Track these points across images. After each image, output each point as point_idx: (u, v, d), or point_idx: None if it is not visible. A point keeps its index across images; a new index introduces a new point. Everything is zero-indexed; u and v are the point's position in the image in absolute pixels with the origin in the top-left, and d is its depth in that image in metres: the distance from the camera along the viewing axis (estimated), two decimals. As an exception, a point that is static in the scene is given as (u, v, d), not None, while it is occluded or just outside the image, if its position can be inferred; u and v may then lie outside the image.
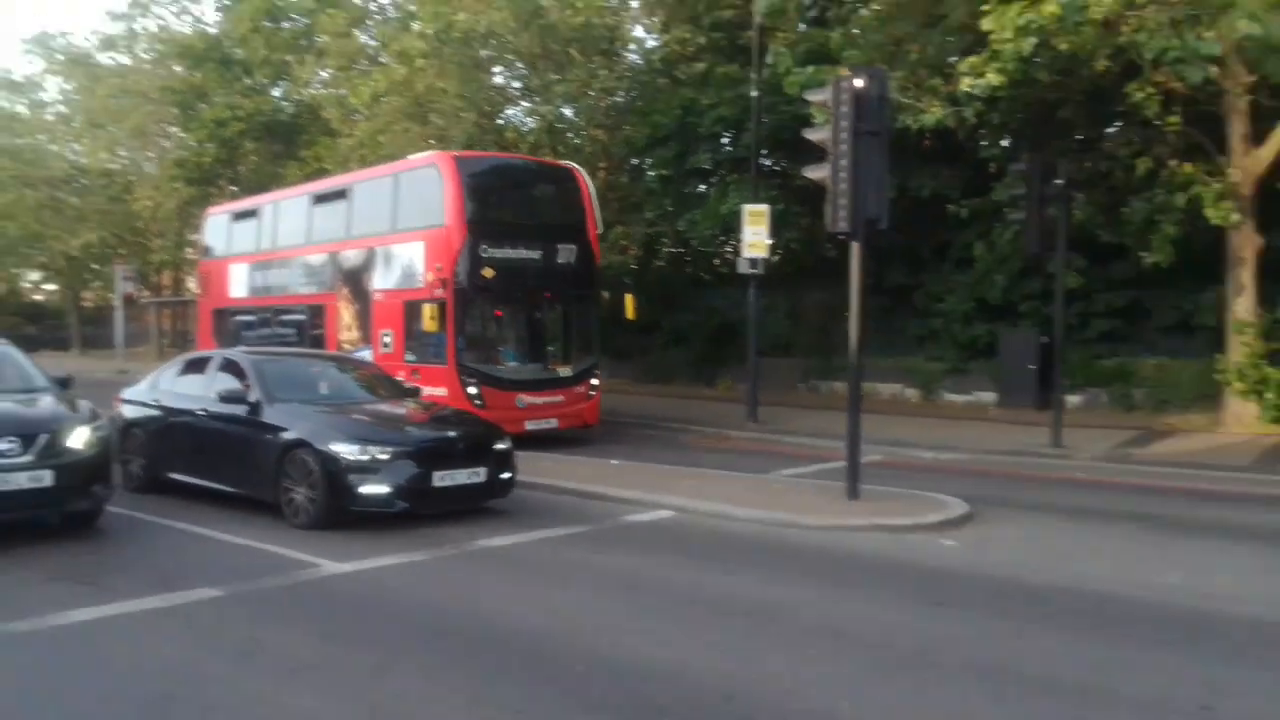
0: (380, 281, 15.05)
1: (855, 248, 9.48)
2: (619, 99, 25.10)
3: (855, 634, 5.90)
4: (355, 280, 15.57)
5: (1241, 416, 15.43)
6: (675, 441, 15.92)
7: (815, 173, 9.63)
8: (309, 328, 16.48)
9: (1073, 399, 18.17)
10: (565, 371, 15.08)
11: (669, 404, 20.24)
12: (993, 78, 13.36)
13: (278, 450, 8.76)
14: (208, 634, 5.84)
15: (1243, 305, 15.26)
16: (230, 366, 9.95)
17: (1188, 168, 14.58)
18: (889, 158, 9.52)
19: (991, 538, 8.61)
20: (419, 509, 8.64)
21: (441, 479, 8.63)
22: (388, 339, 14.74)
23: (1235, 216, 14.33)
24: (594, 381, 15.27)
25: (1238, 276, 15.17)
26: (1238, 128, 14.51)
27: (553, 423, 14.49)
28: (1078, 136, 18.04)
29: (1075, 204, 15.82)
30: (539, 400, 14.36)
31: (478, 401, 13.55)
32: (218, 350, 12.87)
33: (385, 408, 9.78)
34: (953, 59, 15.29)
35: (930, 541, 8.47)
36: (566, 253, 14.81)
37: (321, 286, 16.30)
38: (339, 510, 8.44)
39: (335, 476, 8.35)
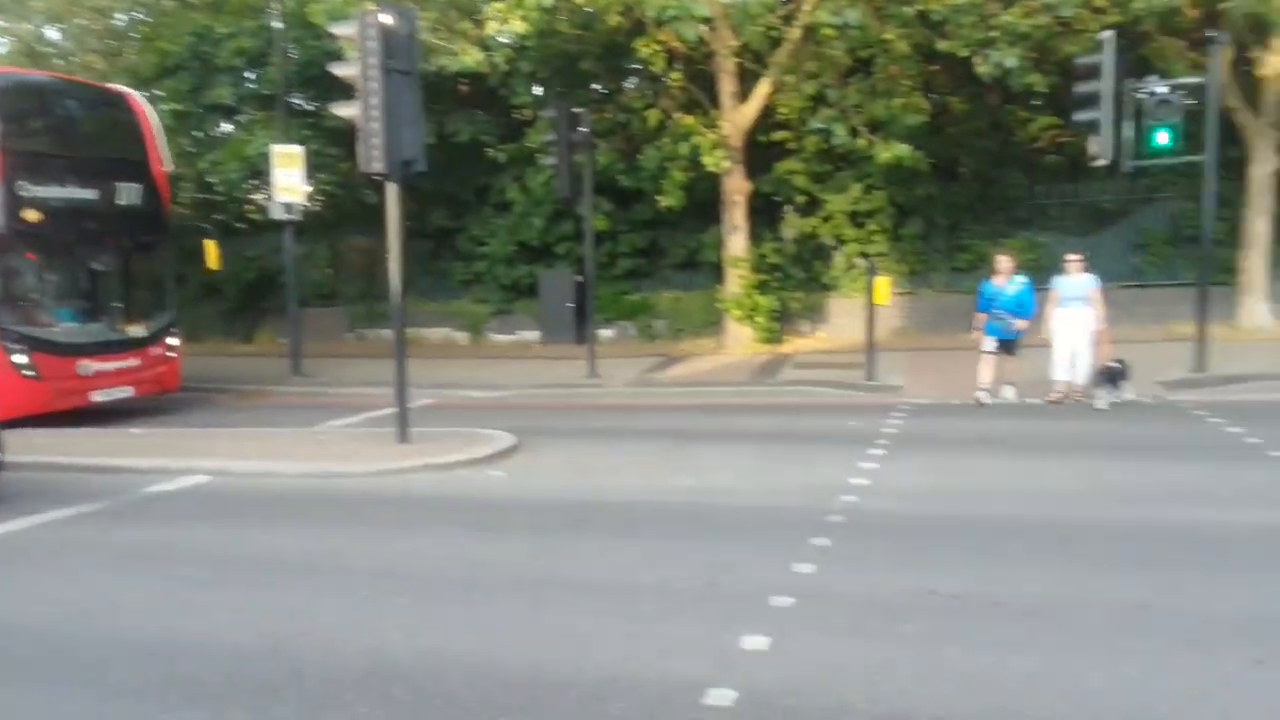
0: None
1: (392, 189, 9.31)
2: (118, 22, 22.05)
3: (406, 571, 5.91)
4: None
5: (740, 339, 17.88)
6: (210, 402, 14.67)
7: (345, 110, 9.24)
8: None
9: (606, 333, 19.75)
10: (138, 331, 13.20)
11: (201, 363, 18.45)
12: (518, 25, 13.82)
13: None
14: None
15: (736, 242, 17.58)
16: None
17: (689, 120, 16.33)
18: (424, 99, 9.44)
19: (536, 465, 9.09)
20: None
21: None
22: None
23: (727, 164, 16.37)
24: (172, 341, 13.63)
25: (732, 217, 17.41)
26: (727, 86, 16.51)
27: (128, 391, 12.74)
28: (599, 88, 19.37)
29: (599, 151, 17.05)
30: (108, 366, 12.49)
31: (29, 372, 11.49)
32: None
33: None
34: (482, 4, 15.54)
35: (479, 475, 8.73)
36: (129, 192, 12.83)
37: None
38: None
39: None
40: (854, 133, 15.15)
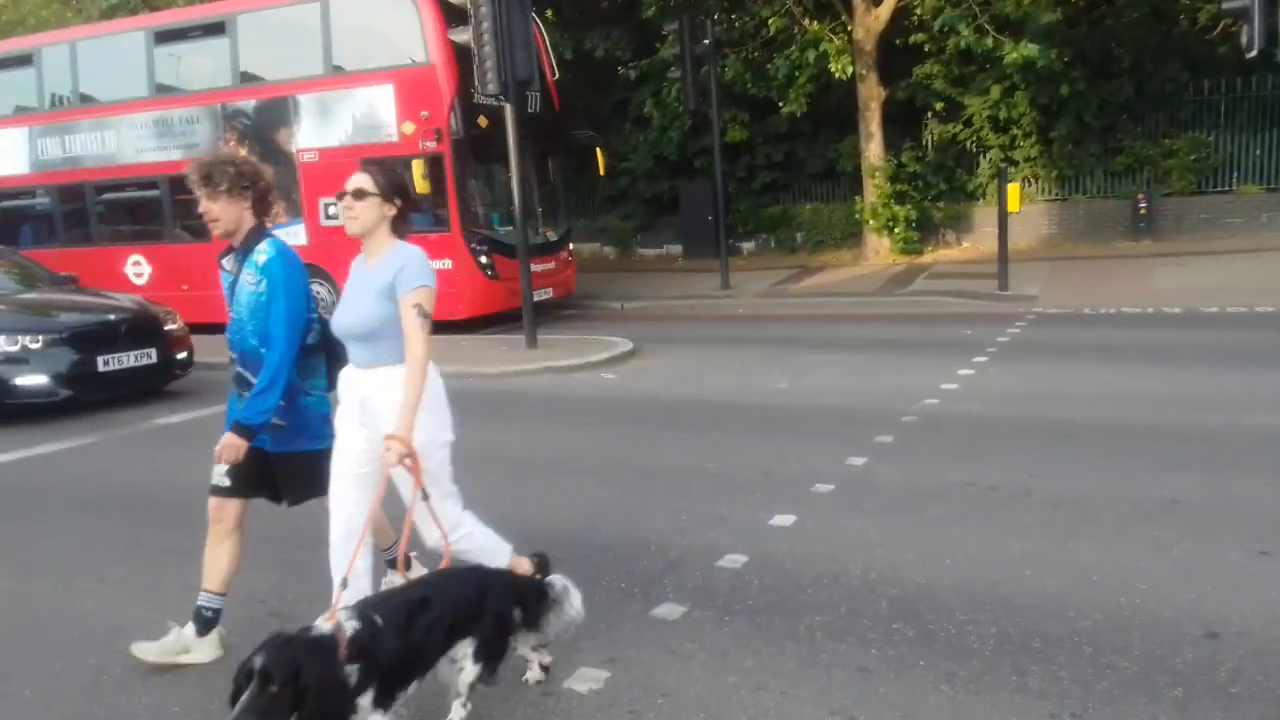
0: (311, 138, 13.07)
1: (510, 110, 10.00)
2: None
3: (501, 454, 6.72)
4: (259, 139, 13.26)
5: (879, 249, 17.81)
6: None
7: (460, 35, 9.91)
8: (165, 206, 14.08)
9: (747, 245, 20.10)
10: (552, 235, 14.29)
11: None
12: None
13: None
14: None
15: (873, 151, 17.37)
16: None
17: (816, 26, 16.12)
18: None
19: (648, 369, 9.80)
20: (86, 395, 8.52)
21: (107, 363, 8.52)
22: (336, 208, 13.50)
23: (852, 69, 16.10)
24: (571, 246, 14.72)
25: (867, 125, 17.19)
26: (859, -11, 16.17)
27: (548, 293, 13.64)
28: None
29: (728, 62, 17.12)
30: (539, 268, 12.79)
31: (489, 272, 12.70)
32: None
33: (35, 296, 9.35)
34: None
35: (593, 377, 9.52)
36: (532, 99, 13.36)
37: (188, 150, 13.30)
38: (-8, 404, 8.10)
39: (-17, 370, 7.98)
40: (981, 31, 14.53)
